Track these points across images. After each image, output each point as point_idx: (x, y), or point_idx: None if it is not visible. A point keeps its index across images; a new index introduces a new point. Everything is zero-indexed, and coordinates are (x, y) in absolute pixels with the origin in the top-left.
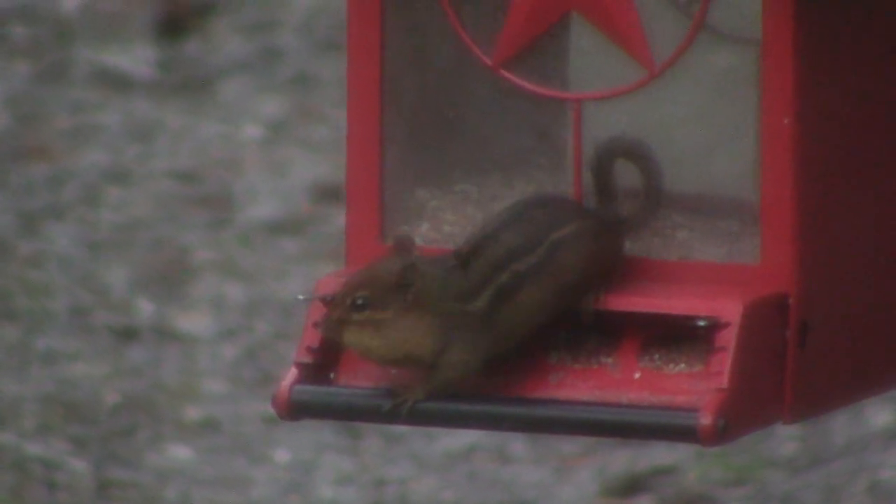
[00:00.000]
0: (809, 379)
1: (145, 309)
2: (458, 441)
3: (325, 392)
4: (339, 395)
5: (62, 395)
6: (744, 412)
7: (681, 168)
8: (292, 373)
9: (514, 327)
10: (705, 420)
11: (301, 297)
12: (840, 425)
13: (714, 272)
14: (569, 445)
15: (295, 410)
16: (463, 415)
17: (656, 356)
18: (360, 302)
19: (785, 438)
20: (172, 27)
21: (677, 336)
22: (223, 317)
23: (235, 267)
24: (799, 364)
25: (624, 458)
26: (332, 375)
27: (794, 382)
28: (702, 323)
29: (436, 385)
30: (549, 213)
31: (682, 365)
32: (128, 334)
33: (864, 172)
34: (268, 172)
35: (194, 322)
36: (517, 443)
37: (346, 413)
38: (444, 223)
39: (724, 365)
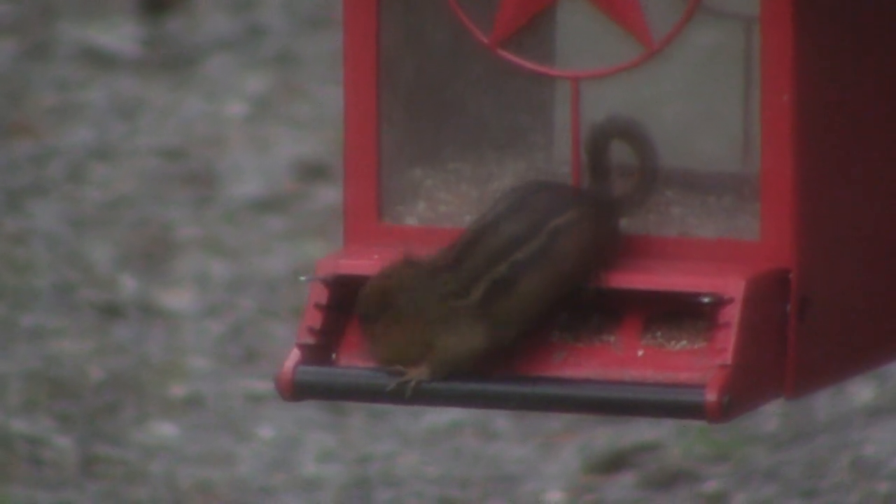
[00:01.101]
0: (810, 354)
1: (130, 286)
2: (442, 417)
3: (328, 373)
4: (343, 375)
5: (47, 372)
6: (747, 388)
7: (679, 145)
8: (295, 354)
9: (517, 315)
10: (711, 396)
11: (302, 278)
12: (823, 401)
13: (713, 248)
14: (553, 422)
15: (298, 391)
16: (467, 394)
17: (658, 333)
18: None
19: (768, 414)
20: (156, 4)
21: (678, 313)
22: (208, 294)
23: (220, 244)
24: (800, 339)
25: (607, 435)
26: (333, 356)
27: (795, 358)
28: (706, 299)
29: (437, 366)
30: (547, 200)
31: (684, 342)
32: (112, 311)
33: (863, 148)
34: (252, 149)
35: (179, 299)
36: (501, 419)
37: (350, 394)
38: (440, 203)
39: (728, 341)
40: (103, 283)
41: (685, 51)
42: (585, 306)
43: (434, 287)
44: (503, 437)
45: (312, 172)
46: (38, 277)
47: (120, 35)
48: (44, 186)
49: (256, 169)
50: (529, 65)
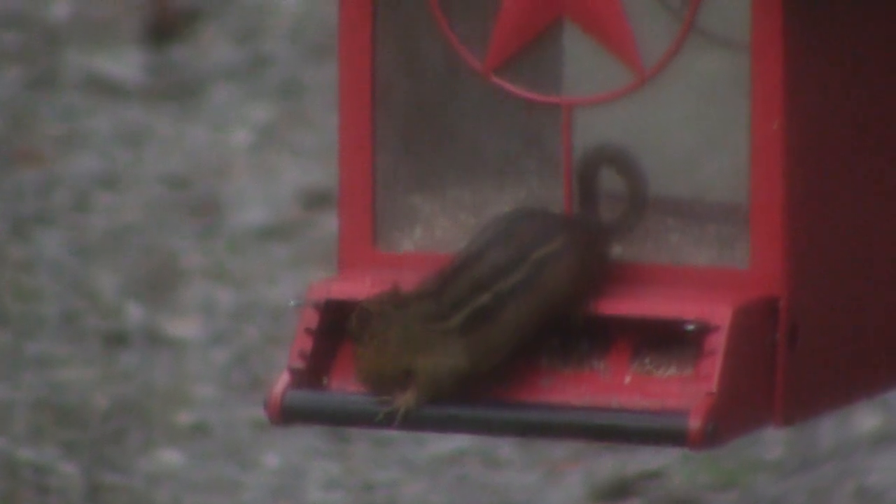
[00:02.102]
0: (800, 382)
1: (135, 314)
2: (446, 445)
3: (317, 398)
4: (332, 400)
5: (53, 400)
6: (734, 416)
7: (672, 172)
8: (284, 378)
9: (499, 344)
10: (694, 424)
11: (293, 302)
12: (827, 429)
13: (705, 276)
14: (558, 450)
15: (287, 416)
16: (454, 419)
17: (647, 360)
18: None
19: (772, 442)
20: (162, 33)
21: (668, 340)
22: (213, 322)
23: (225, 272)
24: (789, 367)
25: (612, 463)
26: (325, 381)
27: (785, 386)
28: (690, 327)
29: (421, 390)
30: (534, 229)
31: (673, 369)
32: (118, 339)
33: (854, 176)
34: (257, 178)
35: (184, 327)
36: (506, 447)
37: (339, 418)
38: (436, 228)
39: (713, 369)
40: (109, 311)
41: (680, 78)
42: (575, 333)
43: (414, 312)
44: (508, 465)
45: (317, 200)
46: (43, 305)
47: (125, 64)
48: (49, 215)
49: (261, 197)
50: (522, 92)
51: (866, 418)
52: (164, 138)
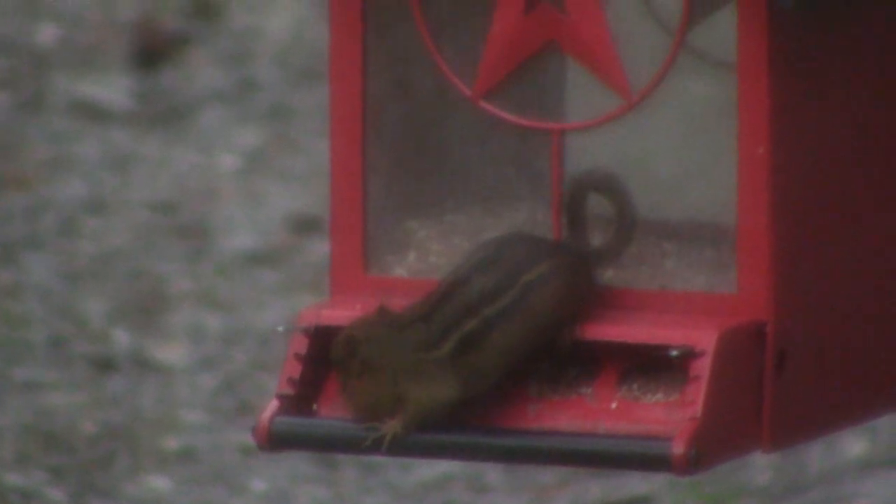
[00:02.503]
0: (788, 408)
1: (123, 339)
2: (433, 470)
3: (305, 424)
4: (320, 427)
5: (40, 425)
6: (719, 441)
7: (661, 197)
8: (273, 404)
9: (488, 369)
10: (678, 449)
11: (281, 328)
12: (815, 455)
13: (694, 301)
14: (545, 475)
15: (275, 442)
16: (441, 446)
17: (635, 386)
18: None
19: (760, 468)
20: (149, 58)
21: (655, 366)
22: (201, 347)
23: (213, 297)
24: (777, 393)
25: (599, 488)
26: (314, 407)
27: (773, 411)
28: (674, 353)
29: (410, 418)
30: (521, 254)
31: (660, 395)
32: (106, 364)
33: (841, 200)
34: (245, 203)
35: (172, 352)
36: (493, 472)
37: (326, 445)
38: (430, 254)
39: (698, 394)
40: (97, 337)
41: (669, 102)
42: (563, 358)
43: (405, 339)
44: (495, 490)
45: (306, 226)
46: (31, 330)
47: (113, 88)
48: (37, 239)
49: (249, 222)
50: (512, 117)
51: (854, 444)
52: (151, 163)
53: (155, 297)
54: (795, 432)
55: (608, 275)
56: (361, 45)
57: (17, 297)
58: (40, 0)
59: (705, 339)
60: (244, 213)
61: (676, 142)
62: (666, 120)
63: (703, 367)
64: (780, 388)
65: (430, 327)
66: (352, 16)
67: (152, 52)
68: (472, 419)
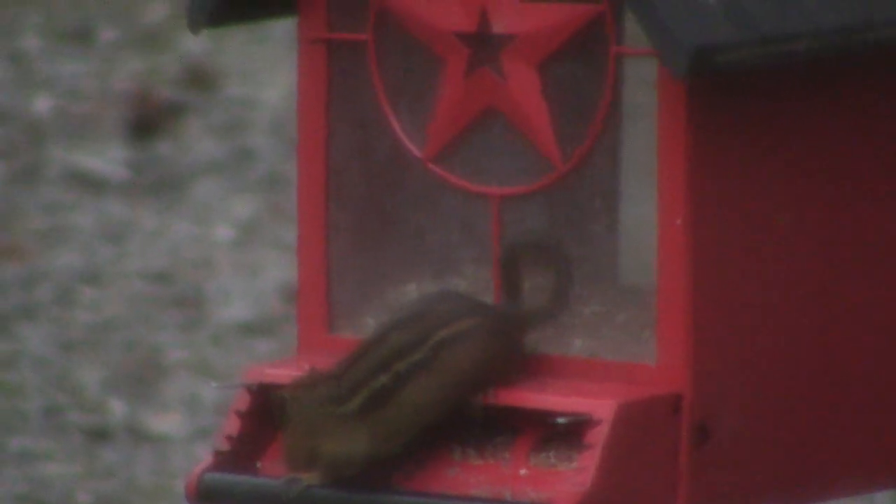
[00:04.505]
0: (710, 482)
1: (118, 409)
2: None
3: (231, 479)
4: (245, 481)
5: (35, 496)
6: None
7: (590, 264)
8: (207, 460)
9: (401, 426)
10: None
11: (215, 384)
12: None
13: (615, 370)
14: None
15: (203, 496)
16: (343, 502)
17: (552, 454)
18: None
19: None
20: (144, 128)
21: (572, 434)
22: (196, 417)
23: (208, 367)
24: (695, 466)
25: None
26: (258, 465)
27: (690, 484)
28: (562, 420)
29: (324, 471)
30: (442, 312)
31: (574, 463)
32: (101, 434)
33: (768, 269)
34: (240, 273)
35: (167, 422)
36: None
37: (250, 499)
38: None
39: (591, 462)
40: (92, 407)
41: (598, 169)
42: (488, 422)
43: (317, 395)
44: None
45: None
46: (26, 400)
47: (108, 159)
48: (32, 309)
49: (244, 292)
50: (456, 180)
51: None
52: (146, 233)
53: (150, 367)
54: None
55: (535, 339)
56: (326, 109)
57: (12, 367)
58: (36, 70)
59: (604, 408)
60: (239, 283)
61: (606, 209)
62: (596, 186)
63: (598, 436)
64: (699, 461)
65: (342, 383)
66: (318, 82)
67: (147, 122)
68: (396, 478)
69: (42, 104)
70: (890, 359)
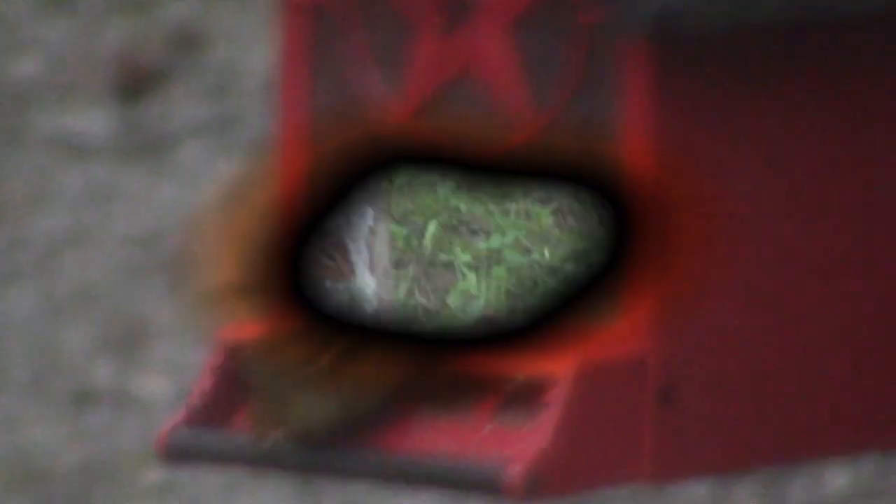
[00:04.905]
0: (675, 445)
1: (104, 373)
2: (416, 502)
3: (200, 435)
4: (214, 438)
5: (20, 461)
6: (573, 470)
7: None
8: (179, 414)
9: (372, 384)
10: (509, 474)
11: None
12: (797, 488)
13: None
14: None
15: (171, 452)
16: (296, 461)
17: (518, 413)
18: None
19: (740, 501)
20: (130, 91)
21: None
22: (183, 380)
23: (195, 330)
24: (661, 429)
25: None
26: (230, 423)
27: (655, 444)
28: (519, 379)
29: (292, 431)
30: None
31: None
32: (86, 398)
33: (736, 232)
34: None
35: (153, 385)
36: None
37: (217, 456)
38: None
39: (547, 421)
40: (77, 371)
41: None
42: (452, 381)
43: (287, 353)
44: None
45: None
46: (10, 365)
47: (93, 122)
48: (16, 273)
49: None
50: None
51: (837, 477)
52: (132, 196)
53: (136, 331)
54: (684, 467)
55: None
56: (309, 74)
57: None
58: (20, 34)
59: (563, 367)
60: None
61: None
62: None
63: (557, 396)
64: (665, 424)
65: (312, 341)
66: (301, 46)
67: (133, 85)
68: (364, 436)
69: (27, 68)
70: (864, 323)
